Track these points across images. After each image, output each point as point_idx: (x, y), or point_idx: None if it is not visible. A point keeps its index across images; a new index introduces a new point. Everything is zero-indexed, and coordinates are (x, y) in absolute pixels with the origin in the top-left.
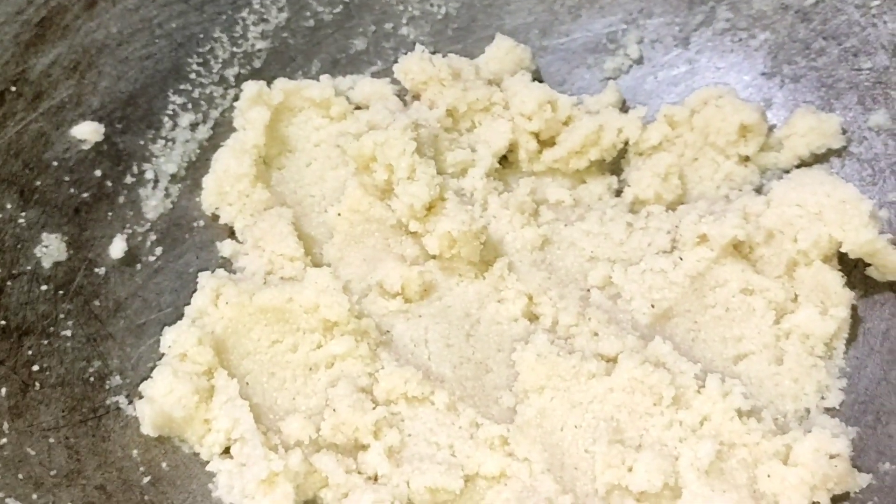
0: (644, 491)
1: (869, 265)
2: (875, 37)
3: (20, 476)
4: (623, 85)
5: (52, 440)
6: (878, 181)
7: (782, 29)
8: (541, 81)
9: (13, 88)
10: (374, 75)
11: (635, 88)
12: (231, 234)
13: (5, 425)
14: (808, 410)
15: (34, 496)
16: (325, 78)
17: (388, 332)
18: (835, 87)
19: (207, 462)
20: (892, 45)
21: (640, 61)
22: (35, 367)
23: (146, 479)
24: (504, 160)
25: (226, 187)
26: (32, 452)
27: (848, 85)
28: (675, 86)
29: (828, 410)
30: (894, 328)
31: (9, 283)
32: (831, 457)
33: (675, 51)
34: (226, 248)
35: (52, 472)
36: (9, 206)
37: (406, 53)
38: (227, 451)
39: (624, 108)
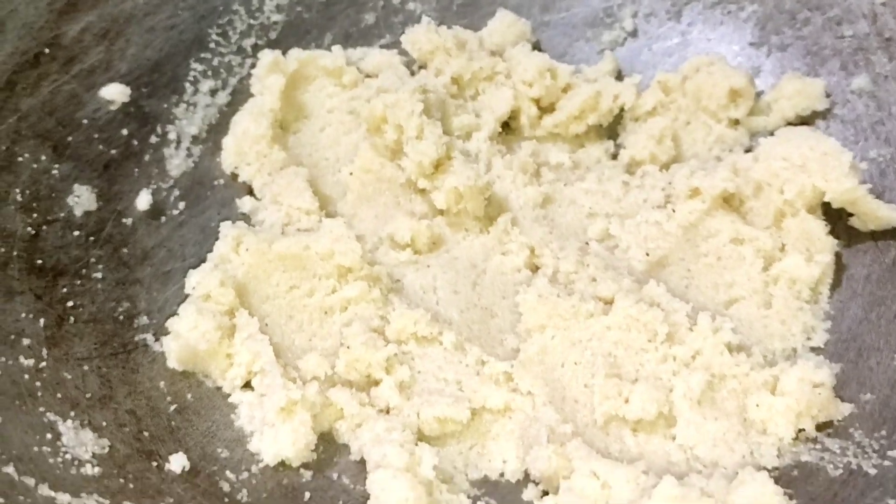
0: (640, 420)
1: (851, 215)
2: (856, 6)
3: (58, 396)
4: (619, 56)
5: (85, 367)
6: (860, 140)
7: (769, 1)
8: None
9: (47, 51)
10: (383, 48)
11: (631, 59)
12: (250, 191)
13: (44, 351)
14: (794, 350)
15: (71, 413)
16: (337, 48)
17: (398, 280)
18: (819, 54)
19: (229, 395)
20: (871, 14)
21: (635, 34)
22: (69, 304)
23: (173, 408)
24: (506, 127)
25: (244, 148)
26: (69, 377)
27: (832, 52)
28: (669, 56)
29: (813, 349)
30: (875, 273)
31: (44, 227)
32: (815, 386)
33: (668, 24)
34: (245, 204)
35: (87, 395)
36: (44, 158)
37: (413, 27)
38: (247, 385)
39: (620, 77)
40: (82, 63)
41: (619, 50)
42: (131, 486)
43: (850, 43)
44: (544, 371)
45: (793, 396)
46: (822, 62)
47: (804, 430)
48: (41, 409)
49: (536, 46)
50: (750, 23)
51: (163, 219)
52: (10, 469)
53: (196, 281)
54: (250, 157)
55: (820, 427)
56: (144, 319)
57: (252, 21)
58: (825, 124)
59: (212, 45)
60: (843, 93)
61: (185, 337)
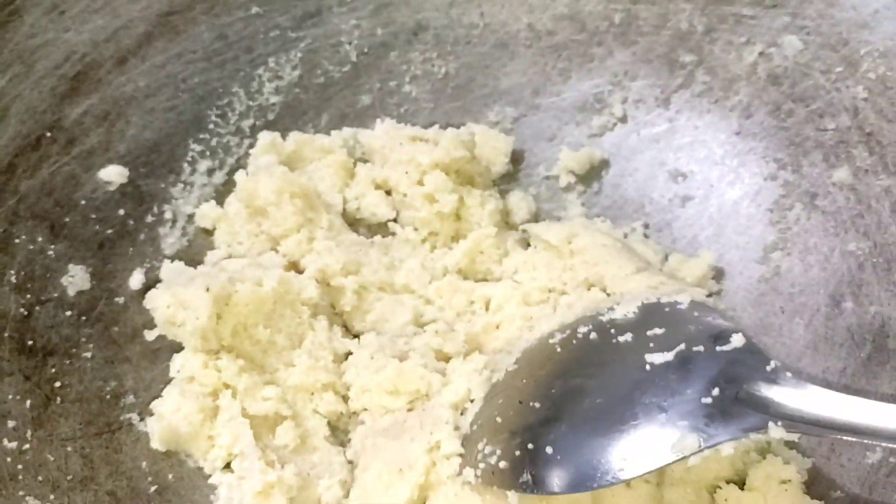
0: None
1: None
2: (838, 100)
3: (39, 478)
4: (608, 141)
5: (69, 449)
6: (840, 232)
7: (755, 91)
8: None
9: (49, 134)
10: None
11: (619, 144)
12: None
13: (28, 433)
14: (768, 444)
15: (51, 496)
16: (336, 132)
17: None
18: (802, 145)
19: (210, 475)
20: (853, 108)
21: (624, 120)
22: (57, 384)
23: (153, 489)
24: None
25: (236, 228)
26: (51, 458)
27: (814, 144)
28: (657, 142)
29: (787, 443)
30: (850, 368)
31: (37, 308)
32: (783, 482)
33: (657, 111)
34: None
35: (69, 478)
36: (40, 239)
37: (408, 109)
38: (228, 466)
39: (607, 165)
40: (82, 145)
41: (607, 135)
42: None
43: (832, 136)
44: None
45: (760, 492)
46: (805, 153)
47: None
48: (21, 492)
49: (529, 128)
50: (735, 112)
51: None
52: None
53: (180, 364)
54: (241, 236)
55: None
56: (131, 398)
57: (251, 102)
58: (806, 215)
59: (210, 126)
60: (824, 185)
61: (168, 419)
